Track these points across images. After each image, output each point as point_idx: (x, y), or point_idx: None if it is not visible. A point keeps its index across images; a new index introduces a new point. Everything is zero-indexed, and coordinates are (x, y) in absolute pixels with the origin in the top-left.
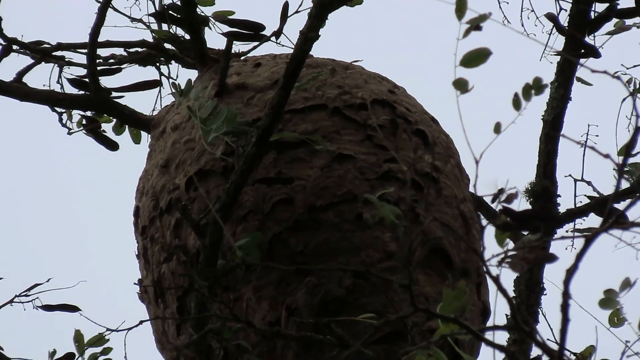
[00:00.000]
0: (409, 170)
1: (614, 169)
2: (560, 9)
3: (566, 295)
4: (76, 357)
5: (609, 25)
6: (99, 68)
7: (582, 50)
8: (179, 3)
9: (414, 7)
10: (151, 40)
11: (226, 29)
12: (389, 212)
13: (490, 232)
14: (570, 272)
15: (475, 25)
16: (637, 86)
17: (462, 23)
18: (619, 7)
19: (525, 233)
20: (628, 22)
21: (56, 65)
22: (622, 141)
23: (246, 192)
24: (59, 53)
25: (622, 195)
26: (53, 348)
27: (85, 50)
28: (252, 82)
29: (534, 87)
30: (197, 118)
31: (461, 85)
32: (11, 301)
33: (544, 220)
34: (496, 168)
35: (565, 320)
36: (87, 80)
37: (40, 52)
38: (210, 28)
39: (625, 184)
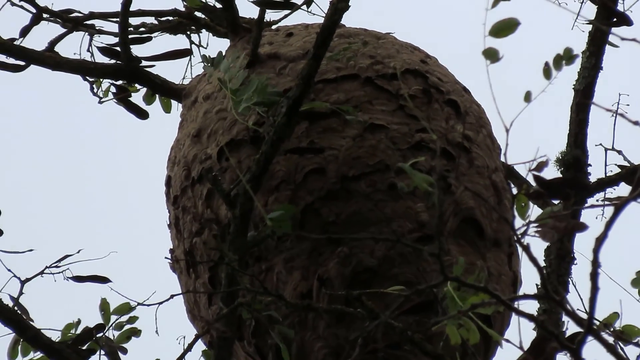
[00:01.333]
0: (440, 140)
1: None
2: None
3: (595, 263)
4: (106, 327)
5: None
6: (130, 37)
7: (614, 19)
8: None
9: None
10: (183, 9)
11: None
12: (421, 181)
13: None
14: (600, 241)
15: None
16: None
17: None
18: None
19: (556, 202)
20: None
21: (87, 34)
22: None
23: (278, 162)
24: (89, 22)
25: None
26: (77, 318)
27: (117, 20)
28: (285, 52)
29: (565, 57)
30: (228, 89)
31: (491, 55)
32: (42, 272)
33: (575, 189)
34: (527, 137)
35: (594, 289)
36: (118, 49)
37: (71, 21)
38: None
39: None
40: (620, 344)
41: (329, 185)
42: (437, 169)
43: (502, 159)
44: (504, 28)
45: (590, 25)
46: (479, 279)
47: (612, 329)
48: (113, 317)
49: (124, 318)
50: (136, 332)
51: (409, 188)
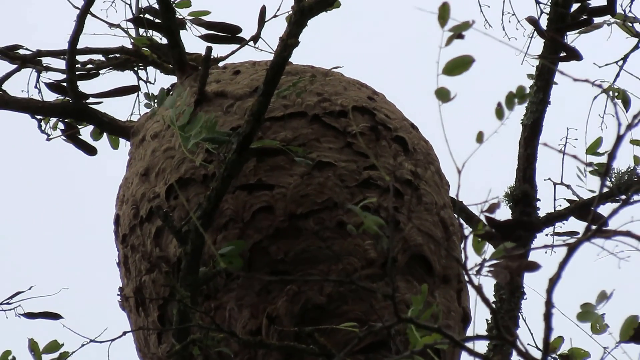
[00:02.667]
0: (390, 178)
1: (577, 167)
2: (541, 12)
3: (549, 304)
4: None
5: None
6: (77, 73)
7: (564, 53)
8: (156, 7)
9: (396, 15)
10: (130, 46)
11: (203, 31)
12: (371, 223)
13: (471, 239)
14: (553, 281)
15: (458, 34)
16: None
17: (445, 31)
18: (590, 5)
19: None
20: (599, 20)
21: (35, 70)
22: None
23: (226, 201)
24: (37, 59)
25: (602, 199)
26: (12, 355)
27: (64, 57)
28: (232, 90)
29: (517, 95)
30: (175, 126)
31: (443, 95)
32: None
33: (526, 229)
34: (477, 173)
35: (548, 330)
36: (65, 84)
37: (19, 58)
38: (186, 30)
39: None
40: None
41: (277, 223)
42: (389, 208)
43: (454, 198)
44: (458, 65)
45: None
46: (434, 315)
47: (561, 354)
48: (44, 357)
49: (55, 355)
50: None
51: (358, 230)
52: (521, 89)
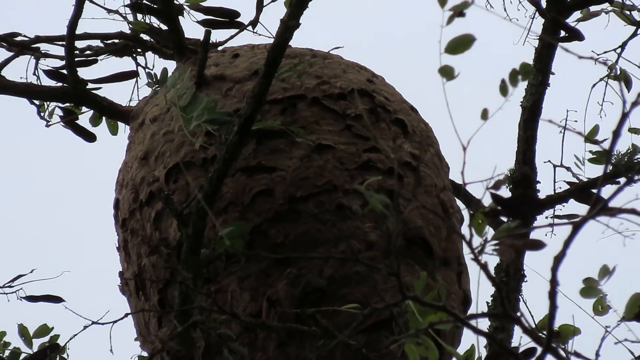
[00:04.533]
0: (393, 159)
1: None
2: None
3: (554, 282)
4: (60, 347)
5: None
6: (76, 60)
7: (566, 34)
8: None
9: None
10: (128, 32)
11: (201, 17)
12: (377, 202)
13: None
14: (558, 259)
15: (459, 11)
16: (618, 71)
17: (446, 10)
18: None
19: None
20: (597, 8)
21: (33, 57)
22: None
23: (226, 184)
24: (35, 45)
25: (604, 180)
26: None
27: (63, 43)
28: (231, 73)
29: (521, 72)
30: (177, 107)
31: (447, 73)
32: None
33: (532, 206)
34: (477, 155)
35: (553, 308)
36: (64, 72)
37: (17, 45)
38: (183, 17)
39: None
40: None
41: (276, 206)
42: (395, 188)
43: (460, 177)
44: (460, 44)
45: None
46: (438, 296)
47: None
48: (35, 341)
49: (45, 339)
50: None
51: (364, 210)
52: (525, 65)
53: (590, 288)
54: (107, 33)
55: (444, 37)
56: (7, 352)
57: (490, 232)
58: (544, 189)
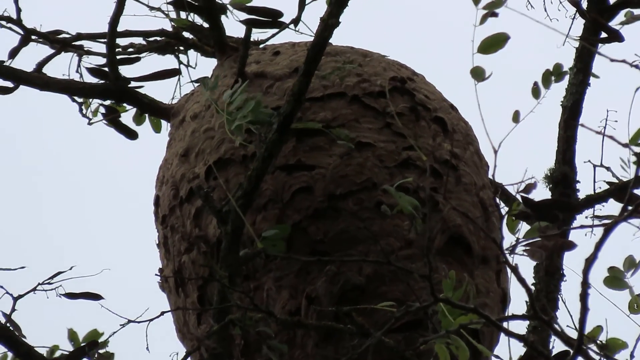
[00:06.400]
0: (428, 159)
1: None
2: None
3: (585, 284)
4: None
5: (621, 16)
6: (118, 57)
7: (605, 35)
8: None
9: None
10: (170, 29)
11: (244, 16)
12: (406, 203)
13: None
14: (590, 262)
15: (492, 12)
16: None
17: (479, 9)
18: None
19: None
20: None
21: (75, 54)
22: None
23: (266, 181)
24: (78, 43)
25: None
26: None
27: (105, 40)
28: (271, 71)
29: (554, 73)
30: (224, 109)
31: (478, 74)
32: (34, 289)
33: (563, 210)
34: (515, 155)
35: (584, 310)
36: (106, 69)
37: (59, 42)
38: (227, 17)
39: None
40: None
41: (316, 203)
42: (425, 189)
43: (491, 178)
44: (493, 44)
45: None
46: (467, 293)
47: (599, 342)
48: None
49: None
50: (109, 357)
51: (393, 211)
52: (558, 66)
53: (614, 278)
54: (148, 30)
55: (478, 36)
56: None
57: (524, 230)
58: (584, 189)
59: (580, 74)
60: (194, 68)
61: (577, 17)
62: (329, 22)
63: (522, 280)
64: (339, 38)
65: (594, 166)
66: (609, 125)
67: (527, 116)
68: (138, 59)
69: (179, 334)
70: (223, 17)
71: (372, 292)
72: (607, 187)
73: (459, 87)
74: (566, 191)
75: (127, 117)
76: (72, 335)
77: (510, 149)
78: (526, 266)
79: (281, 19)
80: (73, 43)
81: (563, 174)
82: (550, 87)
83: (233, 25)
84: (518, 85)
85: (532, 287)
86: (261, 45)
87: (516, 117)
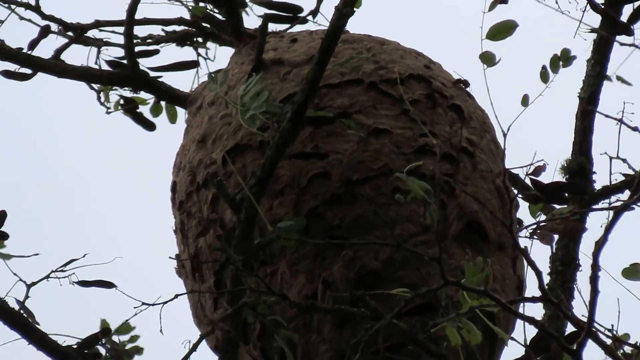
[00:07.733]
0: (443, 145)
1: None
2: None
3: (595, 267)
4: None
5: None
6: (136, 49)
7: (617, 28)
8: None
9: None
10: (188, 18)
11: (263, 11)
12: (418, 189)
13: (524, 205)
14: (600, 245)
15: None
16: None
17: None
18: None
19: (558, 206)
20: None
21: (94, 46)
22: None
23: (282, 167)
24: (96, 31)
25: None
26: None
27: (123, 28)
28: (289, 58)
29: (562, 58)
30: (238, 104)
31: (488, 59)
32: (48, 276)
33: (573, 193)
34: (532, 145)
35: (594, 292)
36: (124, 62)
37: (77, 28)
38: (247, 14)
39: None
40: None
41: (333, 189)
42: (436, 175)
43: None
44: (502, 30)
45: (593, 34)
46: (487, 278)
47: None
48: (114, 338)
49: (126, 337)
50: (139, 350)
51: (406, 199)
52: (565, 51)
53: (633, 270)
54: (166, 19)
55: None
56: None
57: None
58: (600, 180)
59: (597, 66)
60: (212, 61)
61: (588, 10)
62: (344, 11)
63: (531, 263)
64: (353, 25)
65: (610, 158)
66: (625, 117)
67: (536, 99)
68: (157, 51)
69: (195, 320)
70: (242, 12)
71: (388, 277)
72: (623, 178)
73: (472, 76)
74: (582, 182)
75: (145, 110)
76: (103, 326)
77: (527, 138)
78: (544, 256)
79: (300, 14)
80: (91, 33)
81: (580, 164)
82: (558, 72)
83: (252, 20)
84: (531, 75)
85: (547, 276)
86: (279, 33)
87: (525, 101)
